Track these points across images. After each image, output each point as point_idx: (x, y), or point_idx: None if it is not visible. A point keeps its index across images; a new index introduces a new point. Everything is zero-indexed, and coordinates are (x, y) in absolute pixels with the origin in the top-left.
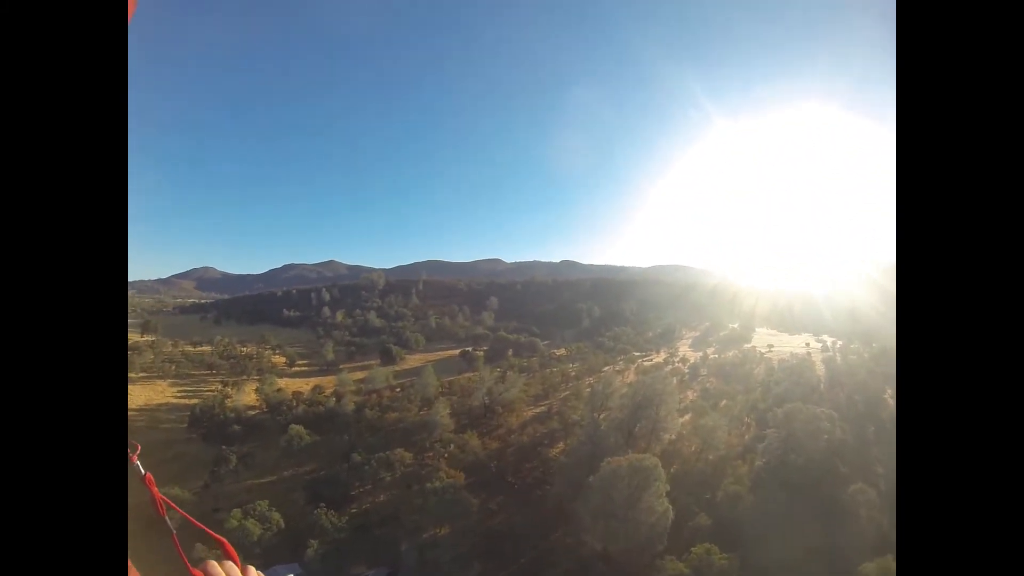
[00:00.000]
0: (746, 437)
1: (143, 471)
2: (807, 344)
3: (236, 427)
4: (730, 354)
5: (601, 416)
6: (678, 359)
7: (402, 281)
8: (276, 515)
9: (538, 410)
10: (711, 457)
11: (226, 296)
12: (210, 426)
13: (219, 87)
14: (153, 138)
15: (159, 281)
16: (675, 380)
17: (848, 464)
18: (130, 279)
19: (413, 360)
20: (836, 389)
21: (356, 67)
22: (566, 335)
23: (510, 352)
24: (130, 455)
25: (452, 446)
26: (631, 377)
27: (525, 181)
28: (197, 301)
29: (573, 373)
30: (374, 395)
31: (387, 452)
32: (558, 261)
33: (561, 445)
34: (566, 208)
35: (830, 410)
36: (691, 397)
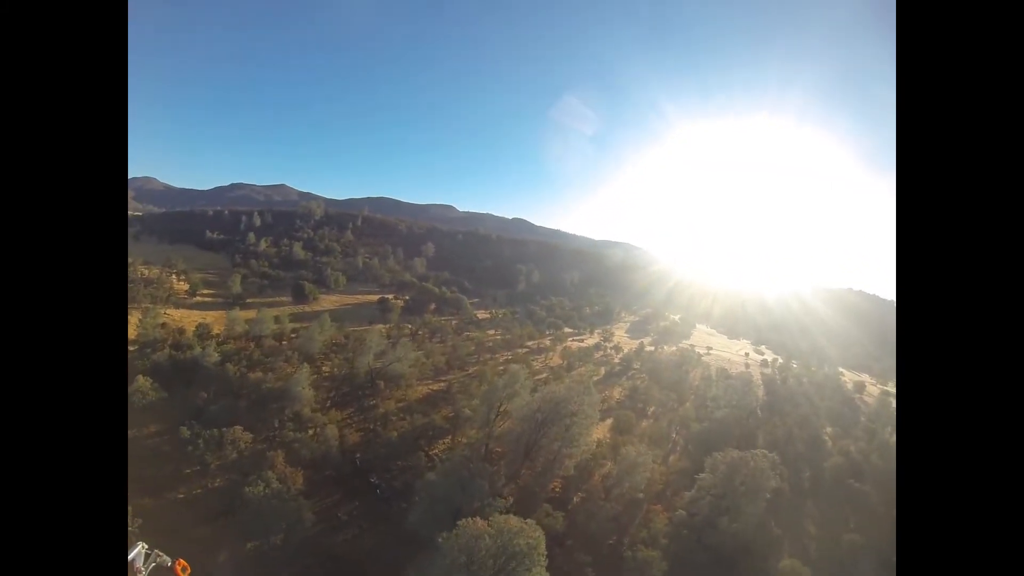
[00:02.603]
0: (671, 462)
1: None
2: (746, 354)
3: None
4: (667, 349)
5: (497, 416)
6: (611, 345)
7: (342, 214)
8: None
9: (435, 387)
10: (624, 491)
11: (168, 210)
12: None
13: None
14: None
15: None
16: (603, 370)
17: (782, 523)
18: None
19: (328, 301)
20: (775, 419)
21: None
22: (499, 296)
23: (432, 307)
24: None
25: (310, 431)
26: (555, 359)
27: (492, 130)
28: (133, 213)
29: (490, 343)
30: (252, 344)
31: (220, 429)
32: (511, 218)
33: (448, 441)
34: (528, 165)
35: (772, 455)
36: (616, 397)
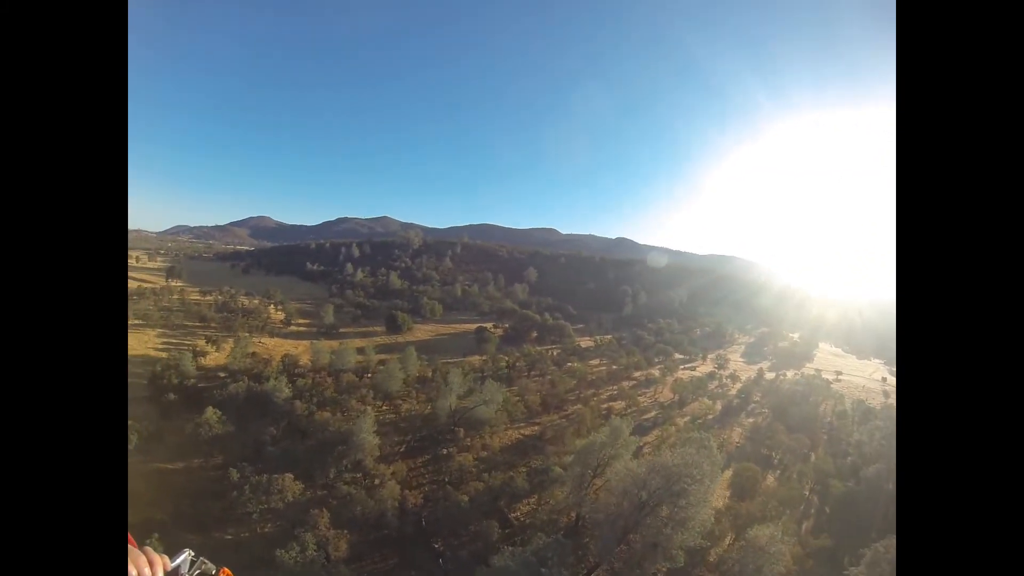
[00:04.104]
0: (805, 534)
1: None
2: (883, 379)
3: (172, 396)
4: (789, 376)
5: (593, 476)
6: (727, 373)
7: (441, 242)
8: None
9: (527, 432)
10: None
11: (276, 244)
12: (157, 389)
13: (283, 39)
14: (219, 87)
15: (216, 228)
16: (718, 405)
17: None
18: (191, 224)
19: (422, 331)
20: None
21: (427, 26)
22: (604, 320)
23: (533, 335)
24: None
25: (375, 480)
26: (665, 393)
27: (593, 151)
28: (245, 248)
29: (592, 376)
30: (330, 379)
31: (270, 475)
32: (614, 237)
33: (532, 502)
34: (630, 183)
35: None
36: (735, 440)
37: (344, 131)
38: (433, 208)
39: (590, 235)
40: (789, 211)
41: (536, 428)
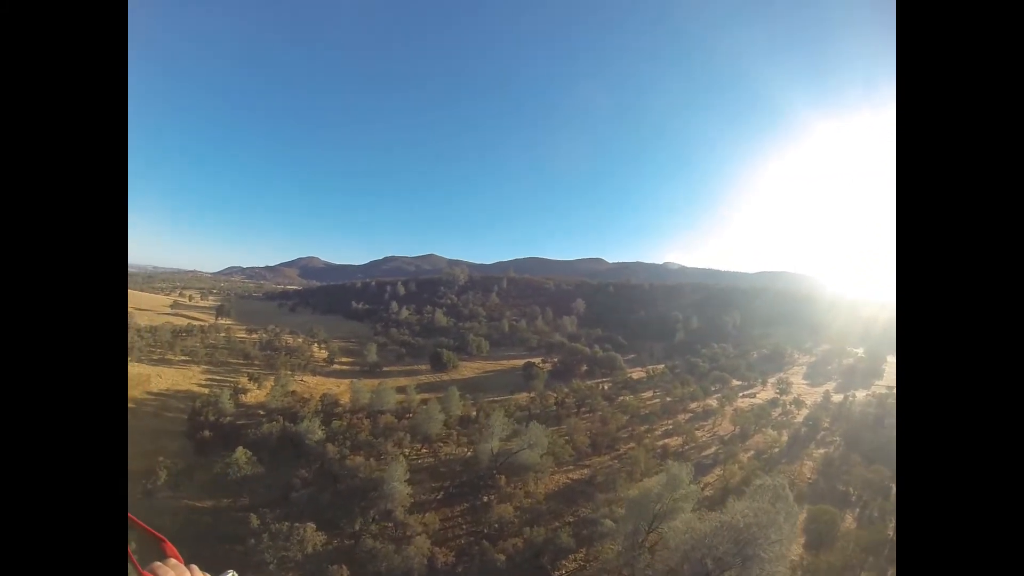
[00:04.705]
0: None
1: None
2: None
3: (206, 433)
4: (859, 397)
5: (649, 531)
6: (790, 399)
7: (487, 277)
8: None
9: (574, 476)
10: None
11: (324, 284)
12: (194, 425)
13: (337, 86)
14: (268, 132)
15: (267, 268)
16: (784, 436)
17: None
18: (243, 265)
19: (468, 368)
20: None
21: (478, 62)
22: (656, 349)
23: (582, 368)
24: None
25: (396, 532)
26: (725, 425)
27: (636, 179)
28: (294, 288)
29: (645, 411)
30: (366, 420)
31: (290, 523)
32: (661, 263)
33: (579, 559)
34: (675, 207)
35: None
36: (806, 474)
37: (391, 169)
38: (479, 244)
39: (637, 262)
40: (838, 219)
41: (585, 471)
